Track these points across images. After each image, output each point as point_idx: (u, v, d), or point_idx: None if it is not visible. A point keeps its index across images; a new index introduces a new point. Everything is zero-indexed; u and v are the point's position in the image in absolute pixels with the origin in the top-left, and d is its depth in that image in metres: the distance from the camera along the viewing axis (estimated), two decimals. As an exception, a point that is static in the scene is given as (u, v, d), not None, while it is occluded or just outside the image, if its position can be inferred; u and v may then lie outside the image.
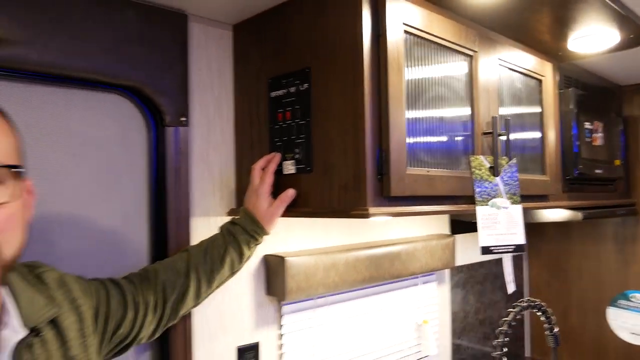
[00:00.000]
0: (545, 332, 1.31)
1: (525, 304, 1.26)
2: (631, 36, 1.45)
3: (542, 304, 1.27)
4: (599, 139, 1.85)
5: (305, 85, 1.14)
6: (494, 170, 1.25)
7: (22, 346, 0.73)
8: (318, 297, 1.52)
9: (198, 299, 1.11)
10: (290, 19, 1.18)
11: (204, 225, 1.28)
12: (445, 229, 2.00)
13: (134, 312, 1.01)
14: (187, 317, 1.22)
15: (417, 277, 1.83)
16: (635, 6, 1.29)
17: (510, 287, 1.28)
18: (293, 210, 1.15)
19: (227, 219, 1.19)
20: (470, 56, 1.27)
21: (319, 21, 1.11)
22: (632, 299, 1.67)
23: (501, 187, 1.25)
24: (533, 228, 2.41)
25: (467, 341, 2.06)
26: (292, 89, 1.17)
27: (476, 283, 2.12)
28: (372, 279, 1.56)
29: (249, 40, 1.31)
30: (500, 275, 2.29)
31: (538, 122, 1.56)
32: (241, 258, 1.14)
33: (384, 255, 1.59)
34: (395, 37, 1.05)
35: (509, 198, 1.25)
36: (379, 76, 1.04)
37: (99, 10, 1.09)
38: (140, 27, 1.15)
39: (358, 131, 1.02)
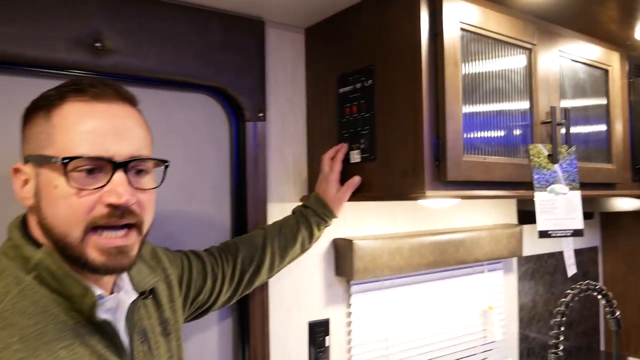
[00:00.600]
0: (607, 316, 1.34)
1: (584, 286, 1.30)
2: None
3: (603, 287, 1.30)
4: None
5: (370, 82, 1.25)
6: (553, 157, 1.30)
7: (134, 306, 0.87)
8: (385, 280, 1.62)
9: (271, 272, 1.25)
10: (356, 21, 1.29)
11: (279, 210, 1.42)
12: (513, 219, 2.03)
13: (212, 281, 1.15)
14: (265, 291, 1.37)
15: (483, 265, 1.89)
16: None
17: (571, 270, 1.32)
18: (358, 195, 1.26)
19: (300, 204, 1.33)
20: (529, 49, 1.33)
21: (381, 22, 1.21)
22: None
23: (560, 174, 1.29)
24: (608, 221, 2.38)
25: (535, 331, 2.08)
26: (358, 85, 1.29)
27: (546, 274, 2.13)
28: (437, 263, 1.64)
29: (319, 42, 1.43)
30: (572, 267, 2.28)
31: (604, 111, 1.58)
32: (311, 238, 1.28)
33: (448, 241, 1.67)
34: (451, 35, 1.13)
35: (568, 185, 1.30)
36: (436, 71, 1.13)
37: (188, 21, 1.25)
38: (223, 34, 1.31)
39: (417, 122, 1.12)
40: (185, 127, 1.31)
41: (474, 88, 1.20)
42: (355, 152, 1.28)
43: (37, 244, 0.77)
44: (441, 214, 1.80)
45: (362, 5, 1.28)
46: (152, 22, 1.20)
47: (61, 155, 0.74)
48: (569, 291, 1.30)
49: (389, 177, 1.19)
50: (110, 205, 0.75)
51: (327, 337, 1.51)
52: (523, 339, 2.05)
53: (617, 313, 1.34)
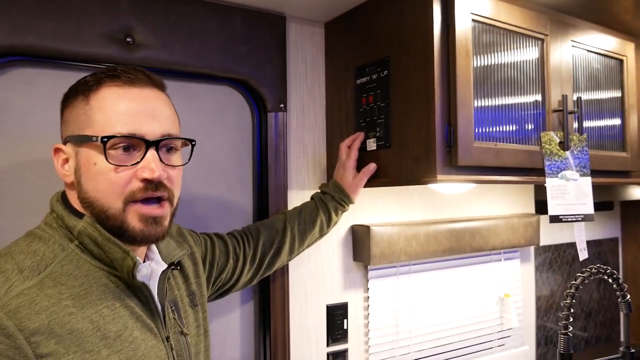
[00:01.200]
0: (618, 300, 1.37)
1: (594, 269, 1.33)
2: None
3: (613, 271, 1.33)
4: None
5: (385, 72, 1.31)
6: (564, 145, 1.33)
7: (165, 276, 0.95)
8: (402, 265, 1.68)
9: (291, 255, 1.32)
10: (372, 15, 1.35)
11: (299, 197, 1.48)
12: (531, 208, 2.06)
13: (234, 261, 1.22)
14: (285, 275, 1.44)
15: (499, 253, 1.92)
16: None
17: (583, 255, 1.35)
18: (374, 181, 1.32)
19: (319, 191, 1.39)
20: (541, 39, 1.36)
21: (397, 15, 1.27)
22: None
23: (571, 160, 1.33)
24: (628, 211, 2.38)
25: (553, 321, 2.10)
26: (374, 76, 1.34)
27: (564, 263, 2.16)
28: (453, 250, 1.68)
29: (337, 36, 1.49)
30: (592, 258, 2.30)
31: (619, 100, 1.60)
32: (329, 222, 1.34)
33: (465, 229, 1.71)
34: (463, 27, 1.18)
35: (579, 171, 1.33)
36: (448, 62, 1.18)
37: (212, 16, 1.32)
38: (246, 29, 1.38)
39: (429, 110, 1.17)
40: (211, 118, 1.38)
41: (486, 78, 1.25)
42: (372, 140, 1.34)
43: (78, 216, 0.85)
44: (458, 203, 1.84)
45: (379, -2, 1.33)
46: (179, 18, 1.27)
47: (100, 134, 0.81)
48: (579, 274, 1.34)
49: (402, 163, 1.24)
50: (144, 180, 0.82)
51: (345, 320, 1.57)
52: (540, 328, 2.07)
53: (628, 297, 1.36)
